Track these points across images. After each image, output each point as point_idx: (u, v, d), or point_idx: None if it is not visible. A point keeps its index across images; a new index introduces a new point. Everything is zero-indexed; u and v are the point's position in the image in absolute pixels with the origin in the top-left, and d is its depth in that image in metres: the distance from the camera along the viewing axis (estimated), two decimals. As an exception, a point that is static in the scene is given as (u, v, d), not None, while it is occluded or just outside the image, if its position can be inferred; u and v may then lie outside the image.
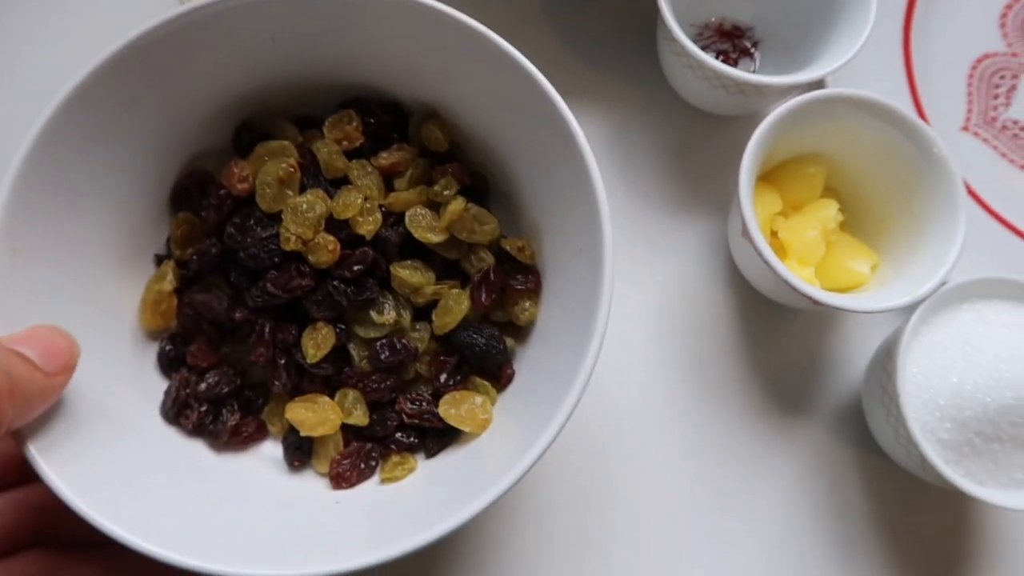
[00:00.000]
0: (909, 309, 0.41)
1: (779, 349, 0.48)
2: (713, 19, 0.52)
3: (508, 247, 0.42)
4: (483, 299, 0.42)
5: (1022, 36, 0.53)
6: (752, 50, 0.52)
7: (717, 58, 0.51)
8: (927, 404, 0.39)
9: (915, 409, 0.39)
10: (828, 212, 0.45)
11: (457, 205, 0.42)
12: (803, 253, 0.44)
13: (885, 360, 0.41)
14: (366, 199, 0.42)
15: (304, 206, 0.40)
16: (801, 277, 0.44)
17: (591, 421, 0.46)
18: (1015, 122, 0.52)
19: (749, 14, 0.52)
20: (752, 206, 0.41)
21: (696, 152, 0.50)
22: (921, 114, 0.50)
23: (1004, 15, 0.54)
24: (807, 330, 0.48)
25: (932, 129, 0.42)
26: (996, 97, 0.52)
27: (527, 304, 0.42)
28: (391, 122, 0.44)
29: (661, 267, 0.49)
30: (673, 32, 0.43)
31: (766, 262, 0.40)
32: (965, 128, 0.52)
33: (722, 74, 0.43)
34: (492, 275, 0.42)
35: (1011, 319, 0.40)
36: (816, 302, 0.40)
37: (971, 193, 0.49)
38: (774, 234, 0.45)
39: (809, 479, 0.46)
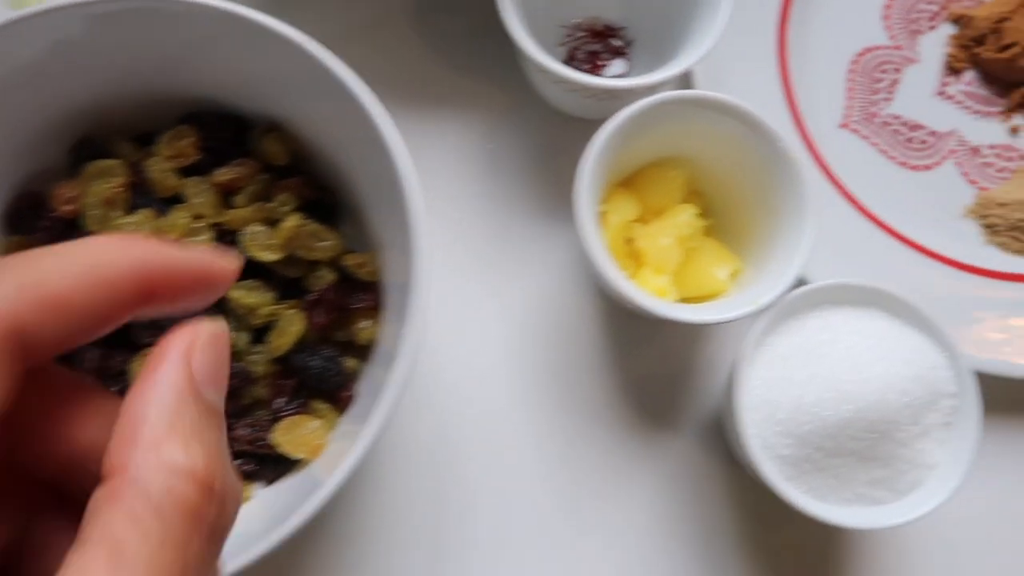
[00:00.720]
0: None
1: (645, 360, 0.46)
2: (584, 19, 0.50)
3: (348, 264, 0.41)
4: (319, 319, 0.40)
5: (906, 28, 0.52)
6: (625, 50, 0.50)
7: (587, 59, 0.50)
8: (767, 419, 0.38)
9: (755, 424, 0.38)
10: (683, 218, 0.43)
11: (291, 222, 0.40)
12: (657, 261, 0.43)
13: (733, 373, 0.39)
14: (197, 218, 0.41)
15: (129, 228, 0.39)
16: (655, 287, 0.43)
17: (449, 433, 0.45)
18: (896, 117, 0.50)
19: (620, 13, 0.50)
20: (591, 218, 0.39)
21: (564, 157, 0.49)
22: (795, 112, 0.49)
23: (888, 6, 0.52)
24: (674, 340, 0.46)
25: (775, 127, 0.40)
26: (877, 92, 0.51)
27: (367, 323, 0.41)
28: (232, 137, 0.43)
29: (525, 276, 0.48)
30: (512, 33, 0.42)
31: (598, 271, 0.39)
32: (844, 125, 0.50)
33: (567, 79, 0.42)
34: (328, 293, 0.41)
35: (859, 326, 0.39)
36: (648, 312, 0.39)
37: (846, 194, 0.48)
38: (631, 242, 0.44)
39: (675, 493, 0.44)
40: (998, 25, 0.50)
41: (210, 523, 0.17)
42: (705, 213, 0.46)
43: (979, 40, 0.51)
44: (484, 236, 0.48)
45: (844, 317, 0.39)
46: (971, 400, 0.38)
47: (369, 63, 0.49)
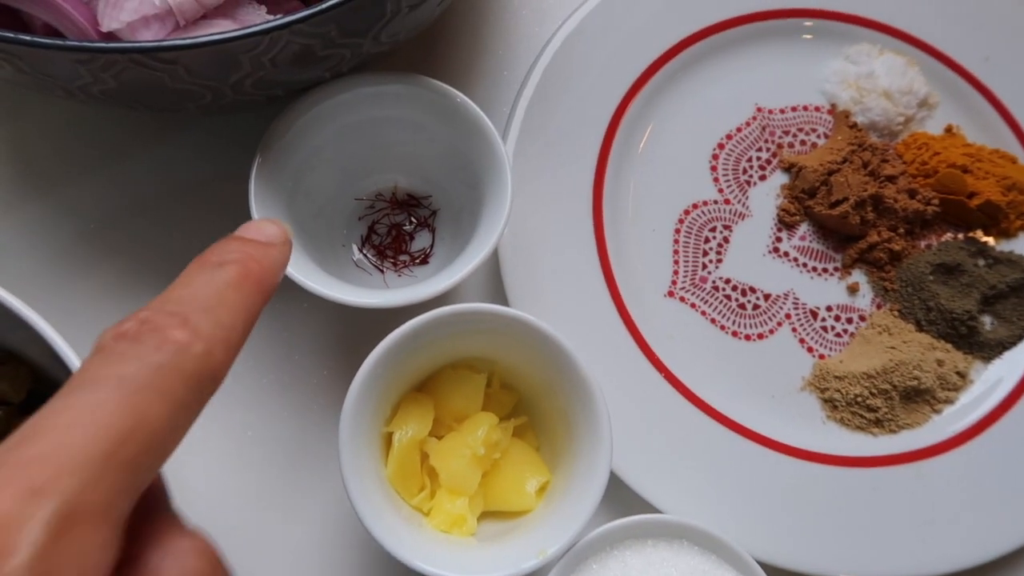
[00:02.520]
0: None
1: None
2: (383, 189, 0.46)
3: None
4: None
5: (735, 180, 0.48)
6: (430, 220, 0.46)
7: (390, 232, 0.46)
8: None
9: None
10: (480, 433, 0.39)
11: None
12: (452, 484, 0.38)
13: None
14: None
15: None
16: (451, 514, 0.38)
17: None
18: (727, 281, 0.47)
19: (422, 181, 0.46)
20: (354, 471, 0.34)
21: (367, 349, 0.44)
22: (612, 286, 0.45)
23: (715, 156, 0.49)
24: None
25: (563, 338, 0.36)
26: (706, 254, 0.47)
27: None
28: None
29: (327, 490, 0.43)
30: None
31: (365, 526, 0.34)
32: (670, 294, 0.46)
33: (335, 299, 0.37)
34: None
35: (662, 571, 0.35)
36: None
37: (671, 378, 0.44)
38: (427, 457, 0.39)
39: None
40: (828, 179, 0.47)
41: None
42: (517, 410, 0.42)
43: (810, 193, 0.47)
44: (275, 444, 0.43)
45: (647, 559, 0.35)
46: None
47: (143, 242, 0.45)
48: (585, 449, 0.37)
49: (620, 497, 0.41)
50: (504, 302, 0.43)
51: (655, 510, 0.40)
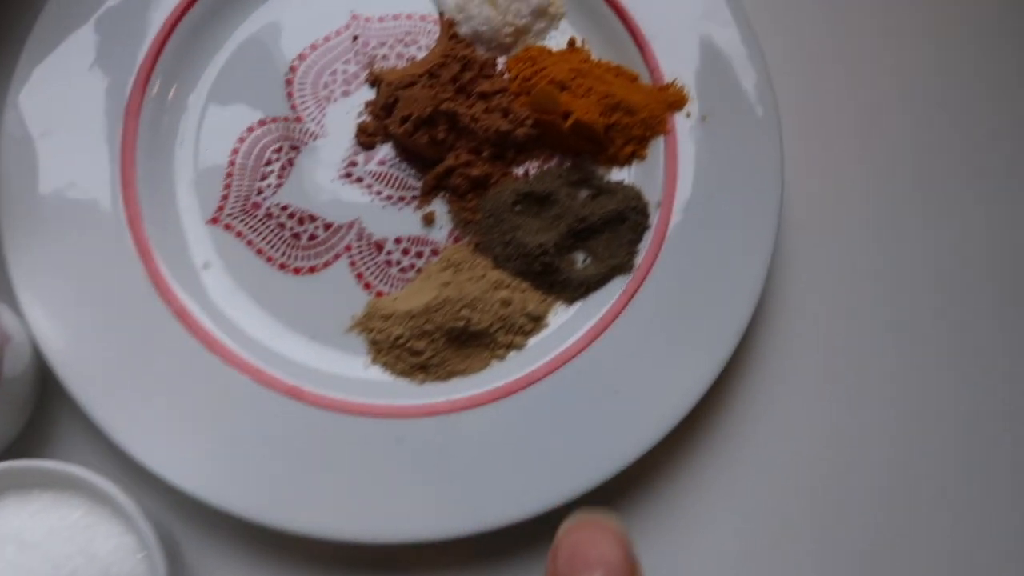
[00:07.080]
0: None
1: None
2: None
3: None
4: None
5: (313, 95, 0.43)
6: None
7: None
8: None
9: None
10: None
11: None
12: None
13: None
14: None
15: None
16: None
17: None
18: (284, 208, 0.41)
19: None
20: None
21: None
22: (135, 210, 0.39)
23: (293, 69, 0.43)
24: None
25: None
26: (265, 177, 0.42)
27: None
28: None
29: None
30: None
31: None
32: (214, 220, 0.41)
33: None
34: None
35: (31, 528, 0.30)
36: None
37: (181, 313, 0.39)
38: None
39: None
40: (399, 92, 0.41)
41: None
42: None
43: (388, 110, 0.42)
44: None
45: (21, 512, 0.31)
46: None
47: None
48: None
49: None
50: None
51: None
